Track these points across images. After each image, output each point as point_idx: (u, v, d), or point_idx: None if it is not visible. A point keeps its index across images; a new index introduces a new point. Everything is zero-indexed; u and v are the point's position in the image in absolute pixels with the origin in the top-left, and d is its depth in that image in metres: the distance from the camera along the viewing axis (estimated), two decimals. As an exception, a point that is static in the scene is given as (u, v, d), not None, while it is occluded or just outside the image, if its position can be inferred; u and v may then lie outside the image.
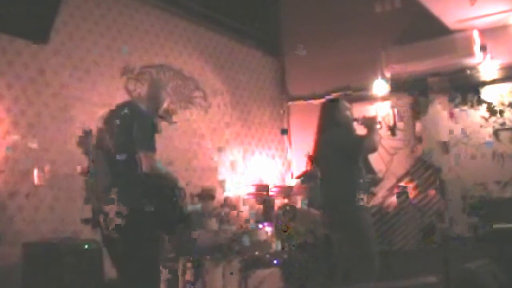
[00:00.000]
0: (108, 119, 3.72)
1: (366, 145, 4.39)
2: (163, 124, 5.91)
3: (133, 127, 3.57)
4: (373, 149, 4.47)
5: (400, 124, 6.92)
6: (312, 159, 4.74)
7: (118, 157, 3.57)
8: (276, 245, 5.18)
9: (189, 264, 4.89)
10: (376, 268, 4.40)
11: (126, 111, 3.69)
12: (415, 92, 6.82)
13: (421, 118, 6.81)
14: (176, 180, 3.71)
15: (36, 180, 4.71)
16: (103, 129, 3.71)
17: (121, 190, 3.55)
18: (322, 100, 7.13)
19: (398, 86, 6.85)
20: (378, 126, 4.50)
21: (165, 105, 3.98)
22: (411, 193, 6.59)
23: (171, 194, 3.60)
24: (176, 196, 3.62)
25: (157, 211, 3.51)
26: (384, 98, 6.94)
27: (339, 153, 4.47)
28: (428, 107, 6.76)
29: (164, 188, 3.58)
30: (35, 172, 4.72)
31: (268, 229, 5.39)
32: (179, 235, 5.57)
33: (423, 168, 6.72)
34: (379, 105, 7.00)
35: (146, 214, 3.50)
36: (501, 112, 6.36)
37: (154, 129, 3.62)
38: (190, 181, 6.13)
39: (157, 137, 5.75)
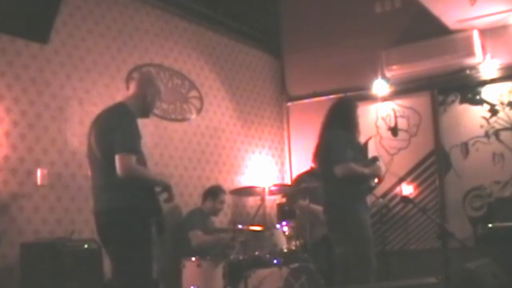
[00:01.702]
0: (94, 122, 3.71)
1: (339, 166, 4.35)
2: (164, 124, 5.95)
3: (112, 128, 3.53)
4: (338, 174, 4.37)
5: (400, 124, 6.92)
6: (313, 156, 4.73)
7: (102, 159, 3.54)
8: (277, 245, 5.17)
9: (189, 264, 4.88)
10: (374, 269, 4.39)
11: (109, 112, 3.68)
12: (415, 92, 6.82)
13: (421, 118, 6.81)
14: (162, 181, 3.70)
15: (37, 181, 4.71)
16: (90, 131, 3.70)
17: (104, 191, 3.57)
18: (323, 99, 7.21)
19: (398, 86, 6.85)
20: (368, 170, 4.51)
21: (157, 103, 3.91)
22: (411, 193, 6.59)
23: (151, 196, 3.57)
24: (162, 197, 3.62)
25: (137, 211, 3.50)
26: (384, 98, 6.94)
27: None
28: (429, 107, 6.77)
29: (144, 190, 3.54)
30: (38, 172, 4.72)
31: (270, 229, 5.38)
32: (179, 234, 5.58)
33: (423, 168, 6.73)
34: (379, 105, 7.01)
35: (125, 214, 3.50)
36: (501, 112, 6.36)
37: (135, 129, 3.55)
38: (190, 181, 6.15)
39: (158, 137, 5.81)
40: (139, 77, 4.01)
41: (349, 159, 4.39)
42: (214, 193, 5.83)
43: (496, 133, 6.37)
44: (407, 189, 6.63)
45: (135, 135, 3.54)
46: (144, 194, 3.54)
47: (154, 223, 3.56)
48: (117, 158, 3.43)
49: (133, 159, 3.45)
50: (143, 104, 3.76)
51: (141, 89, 3.77)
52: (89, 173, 3.72)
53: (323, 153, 4.59)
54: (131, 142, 3.49)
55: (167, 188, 3.67)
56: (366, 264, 4.37)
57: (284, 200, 6.69)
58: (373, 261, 4.40)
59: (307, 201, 5.62)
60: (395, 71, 6.72)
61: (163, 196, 3.68)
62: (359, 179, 4.48)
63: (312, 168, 6.50)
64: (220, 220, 6.38)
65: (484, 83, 6.45)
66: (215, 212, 5.86)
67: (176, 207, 5.95)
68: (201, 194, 5.96)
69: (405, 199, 5.89)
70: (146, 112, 3.84)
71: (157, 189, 3.67)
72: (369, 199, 4.94)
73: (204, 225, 5.58)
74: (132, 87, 3.84)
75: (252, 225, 5.19)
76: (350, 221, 4.42)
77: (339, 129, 4.54)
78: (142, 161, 3.63)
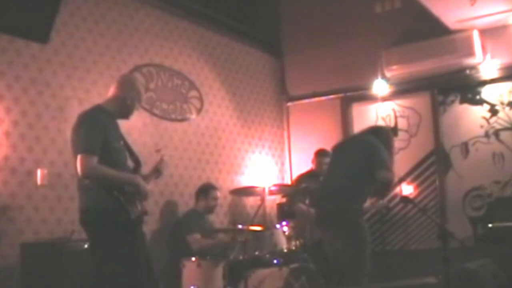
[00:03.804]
0: None
1: (385, 171, 4.45)
2: (164, 124, 5.95)
3: (76, 130, 3.64)
4: (380, 178, 4.46)
5: (400, 124, 6.92)
6: (338, 147, 4.80)
7: (74, 160, 3.61)
8: (277, 245, 5.17)
9: (189, 264, 4.88)
10: (368, 270, 4.40)
11: (79, 115, 3.73)
12: (415, 92, 6.82)
13: (421, 118, 6.81)
14: (129, 179, 3.67)
15: (37, 180, 4.71)
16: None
17: (78, 191, 3.69)
18: (323, 99, 7.22)
19: (398, 86, 6.85)
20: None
21: (137, 105, 3.90)
22: (411, 193, 6.58)
23: (116, 195, 3.56)
24: (127, 198, 3.60)
25: (101, 212, 3.55)
26: (384, 98, 6.94)
27: (365, 160, 4.49)
28: (429, 107, 6.76)
29: (108, 190, 3.55)
30: (38, 172, 4.72)
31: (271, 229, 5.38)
32: (177, 235, 5.57)
33: (423, 168, 6.72)
34: (379, 105, 7.01)
35: (91, 215, 3.60)
36: (501, 112, 6.36)
37: (98, 130, 3.59)
38: (190, 181, 6.15)
39: (158, 137, 5.80)
40: (120, 80, 4.01)
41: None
42: (205, 191, 5.81)
43: (496, 133, 6.37)
44: (407, 189, 6.62)
45: (96, 136, 3.56)
46: (108, 194, 3.55)
47: (123, 223, 3.56)
48: (77, 158, 3.53)
49: (92, 159, 3.50)
50: (122, 106, 3.82)
51: (121, 92, 3.83)
52: None
53: (358, 153, 4.58)
54: (90, 143, 3.54)
55: (134, 186, 3.67)
56: (362, 264, 4.38)
57: (284, 200, 6.68)
58: (368, 262, 4.42)
59: (307, 202, 5.61)
60: (395, 71, 6.72)
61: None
62: (380, 190, 4.57)
63: (312, 169, 6.52)
64: (220, 220, 6.39)
65: (484, 83, 6.45)
66: (210, 209, 5.84)
67: (175, 207, 5.95)
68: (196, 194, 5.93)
69: (405, 199, 5.88)
70: (125, 114, 3.88)
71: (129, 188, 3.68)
72: (369, 199, 4.94)
73: (200, 226, 5.57)
74: (112, 89, 3.87)
75: (252, 225, 5.18)
76: (355, 221, 4.44)
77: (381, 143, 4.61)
78: (118, 161, 3.67)
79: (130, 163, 3.88)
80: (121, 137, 3.85)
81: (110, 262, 3.56)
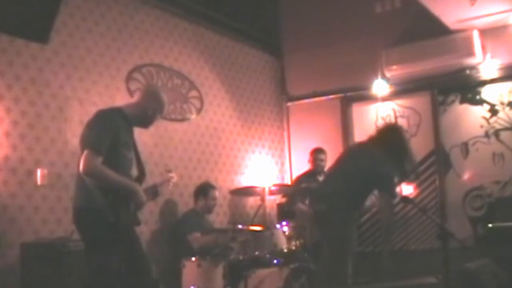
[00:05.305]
0: None
1: (391, 199, 4.47)
2: (164, 124, 5.95)
3: (88, 127, 3.62)
4: (382, 202, 4.50)
5: (401, 124, 6.91)
6: (346, 153, 4.80)
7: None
8: (277, 245, 5.17)
9: (189, 264, 4.88)
10: (344, 269, 4.41)
11: (96, 113, 3.71)
12: (415, 92, 6.83)
13: (421, 118, 6.81)
14: (128, 186, 3.60)
15: (37, 180, 4.70)
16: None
17: (74, 189, 3.68)
18: (323, 99, 7.22)
19: (398, 86, 6.85)
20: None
21: (158, 117, 3.88)
22: (411, 193, 6.58)
23: (111, 198, 3.51)
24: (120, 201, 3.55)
25: (93, 213, 3.52)
26: (384, 98, 6.95)
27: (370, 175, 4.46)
28: (429, 107, 6.76)
29: (104, 192, 3.51)
30: (38, 172, 4.71)
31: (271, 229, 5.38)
32: (177, 235, 5.57)
33: (423, 168, 6.72)
34: (379, 105, 7.01)
35: (82, 215, 3.58)
36: (501, 112, 6.36)
37: (109, 132, 3.55)
38: (190, 181, 6.15)
39: (158, 137, 5.80)
40: (146, 89, 4.03)
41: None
42: (204, 190, 5.81)
43: (496, 133, 6.37)
44: (407, 189, 6.62)
45: (106, 137, 3.54)
46: (103, 196, 3.51)
47: (113, 226, 3.51)
48: (83, 154, 3.50)
49: (97, 159, 3.47)
50: (142, 115, 3.81)
51: (144, 101, 3.82)
52: None
53: (363, 166, 4.51)
54: (99, 142, 3.51)
55: (132, 193, 3.61)
56: (341, 265, 4.43)
57: (284, 200, 6.69)
58: (349, 263, 4.47)
59: (306, 202, 5.61)
60: (395, 71, 6.72)
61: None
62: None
63: (309, 169, 6.52)
64: (220, 220, 6.39)
65: (484, 83, 6.46)
66: (209, 209, 5.84)
67: (175, 207, 5.95)
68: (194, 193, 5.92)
69: (405, 199, 5.87)
70: (144, 123, 3.88)
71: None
72: (370, 199, 4.93)
73: (200, 226, 5.58)
74: (137, 96, 3.88)
75: (252, 225, 5.19)
76: (341, 223, 4.46)
77: (392, 164, 4.48)
78: (121, 166, 3.62)
79: (134, 171, 3.85)
80: (132, 144, 3.80)
81: (101, 262, 3.53)
